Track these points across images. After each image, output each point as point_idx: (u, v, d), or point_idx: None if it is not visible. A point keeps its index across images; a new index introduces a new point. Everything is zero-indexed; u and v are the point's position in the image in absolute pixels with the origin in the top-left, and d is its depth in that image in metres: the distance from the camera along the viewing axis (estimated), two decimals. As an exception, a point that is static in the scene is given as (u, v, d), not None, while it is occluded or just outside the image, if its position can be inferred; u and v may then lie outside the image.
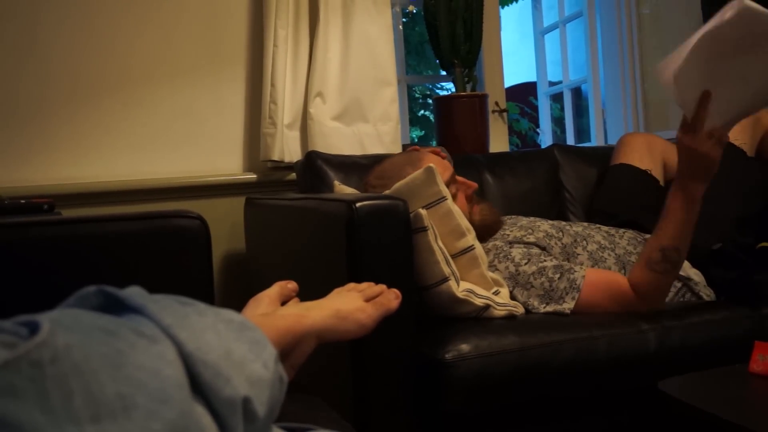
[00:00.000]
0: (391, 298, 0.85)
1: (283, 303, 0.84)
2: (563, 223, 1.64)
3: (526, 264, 1.41)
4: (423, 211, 1.27)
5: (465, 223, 1.37)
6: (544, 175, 2.03)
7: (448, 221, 1.33)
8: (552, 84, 3.28)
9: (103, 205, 1.87)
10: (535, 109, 6.17)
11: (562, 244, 1.53)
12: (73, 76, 1.90)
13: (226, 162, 2.06)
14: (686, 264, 1.52)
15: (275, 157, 1.97)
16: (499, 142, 2.46)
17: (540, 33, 3.17)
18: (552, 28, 3.13)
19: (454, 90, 2.24)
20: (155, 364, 0.39)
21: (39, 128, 1.87)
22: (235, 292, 1.99)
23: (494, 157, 2.06)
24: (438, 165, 1.47)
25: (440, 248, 1.28)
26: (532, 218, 1.67)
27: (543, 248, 1.49)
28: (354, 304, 0.81)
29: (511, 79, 5.86)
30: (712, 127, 1.24)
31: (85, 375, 0.34)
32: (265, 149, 1.99)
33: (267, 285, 0.85)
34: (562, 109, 3.78)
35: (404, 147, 2.11)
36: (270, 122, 1.98)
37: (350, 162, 1.81)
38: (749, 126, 1.80)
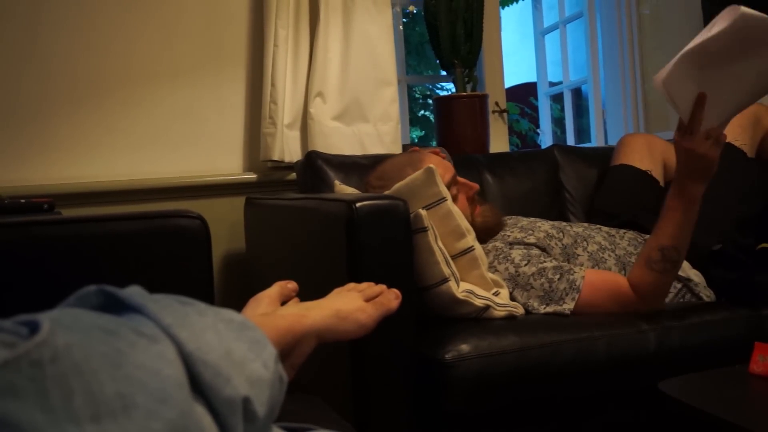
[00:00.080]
0: (391, 298, 0.85)
1: (283, 303, 0.84)
2: (564, 223, 1.64)
3: (525, 265, 1.41)
4: (423, 212, 1.27)
5: (465, 224, 1.37)
6: (544, 175, 2.03)
7: (448, 222, 1.33)
8: (552, 84, 3.28)
9: (103, 204, 1.87)
10: (536, 109, 6.17)
11: (563, 244, 1.53)
12: (73, 76, 1.90)
13: (226, 162, 2.06)
14: (686, 265, 1.52)
15: (275, 157, 1.97)
16: (499, 142, 2.46)
17: (540, 33, 3.17)
18: (552, 28, 3.13)
19: (454, 90, 2.24)
20: (155, 364, 0.38)
21: (39, 128, 1.87)
22: (235, 292, 1.99)
23: (494, 158, 2.06)
24: (440, 166, 1.48)
25: (440, 249, 1.28)
26: (532, 219, 1.67)
27: (543, 249, 1.49)
28: (354, 304, 0.81)
29: (511, 79, 5.87)
30: (708, 127, 1.24)
31: (85, 374, 0.34)
32: (266, 149, 1.99)
33: (267, 285, 0.85)
34: (562, 109, 3.77)
35: (404, 147, 2.11)
36: (270, 122, 1.98)
37: (350, 162, 1.81)
38: (749, 127, 1.80)
